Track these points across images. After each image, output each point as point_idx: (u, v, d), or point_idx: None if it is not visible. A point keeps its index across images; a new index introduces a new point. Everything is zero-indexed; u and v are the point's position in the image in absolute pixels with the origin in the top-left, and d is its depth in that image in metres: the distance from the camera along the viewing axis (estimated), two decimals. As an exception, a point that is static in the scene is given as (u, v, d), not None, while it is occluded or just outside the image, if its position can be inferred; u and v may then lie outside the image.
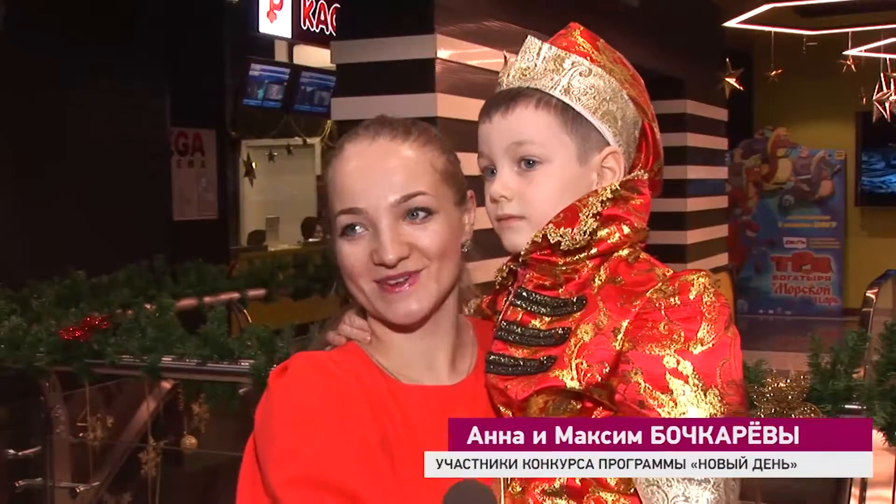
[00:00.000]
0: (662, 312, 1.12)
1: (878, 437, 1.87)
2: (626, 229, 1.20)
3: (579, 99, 1.21)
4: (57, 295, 3.68)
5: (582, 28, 1.29)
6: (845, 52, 7.76)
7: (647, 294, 1.14)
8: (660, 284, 1.15)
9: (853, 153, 10.37)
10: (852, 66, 7.73)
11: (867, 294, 5.18)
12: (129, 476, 3.35)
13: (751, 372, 1.86)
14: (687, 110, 6.61)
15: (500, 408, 1.22)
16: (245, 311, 4.50)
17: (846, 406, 1.87)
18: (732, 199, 9.37)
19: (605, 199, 1.20)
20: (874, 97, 7.41)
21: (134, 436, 3.43)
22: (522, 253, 1.21)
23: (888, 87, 7.45)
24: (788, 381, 1.86)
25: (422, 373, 1.27)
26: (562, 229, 1.18)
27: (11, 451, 3.31)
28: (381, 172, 1.23)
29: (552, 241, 1.18)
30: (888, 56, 7.74)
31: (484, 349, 1.32)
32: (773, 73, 7.82)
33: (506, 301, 1.28)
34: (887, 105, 7.37)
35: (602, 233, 1.19)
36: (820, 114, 10.42)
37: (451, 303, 1.30)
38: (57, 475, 3.13)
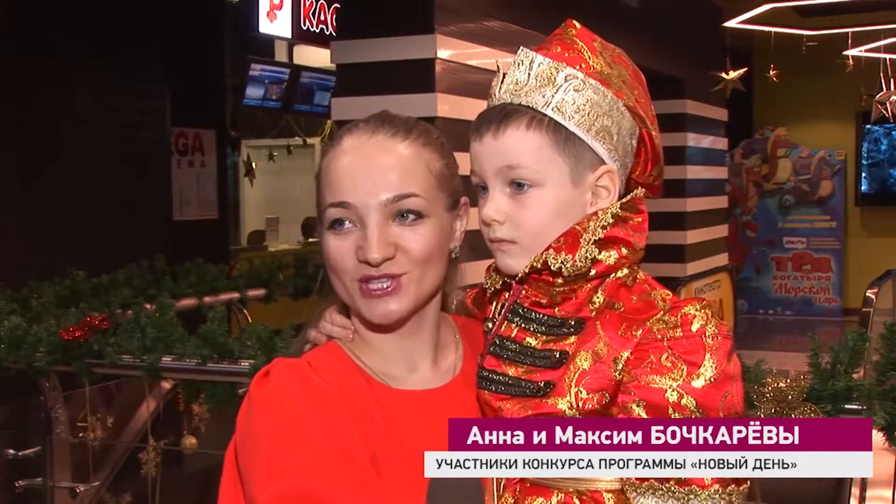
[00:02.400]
0: (665, 344, 1.11)
1: (878, 437, 1.86)
2: (624, 250, 1.17)
3: (572, 117, 1.17)
4: (57, 295, 3.68)
5: (579, 27, 1.25)
6: (845, 52, 7.76)
7: (648, 324, 1.13)
8: (661, 314, 1.13)
9: (853, 153, 10.38)
10: (852, 66, 7.73)
11: (867, 294, 5.19)
12: (129, 476, 3.35)
13: (751, 372, 1.86)
14: (687, 110, 6.61)
15: None
16: (245, 311, 4.50)
17: (846, 406, 1.87)
18: (732, 199, 9.37)
19: (605, 223, 1.17)
20: (875, 97, 7.41)
21: (134, 436, 3.42)
22: (520, 274, 1.19)
23: (887, 87, 7.44)
24: (788, 381, 1.86)
25: (405, 372, 1.26)
26: (563, 255, 1.15)
27: (11, 451, 3.31)
28: (375, 169, 1.20)
29: (553, 268, 1.15)
30: (888, 56, 7.73)
31: (472, 349, 1.32)
32: (773, 73, 7.81)
33: (495, 308, 1.27)
34: (888, 105, 7.37)
35: (601, 255, 1.16)
36: (820, 114, 10.42)
37: (434, 305, 1.28)
38: (57, 475, 3.13)
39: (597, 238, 1.16)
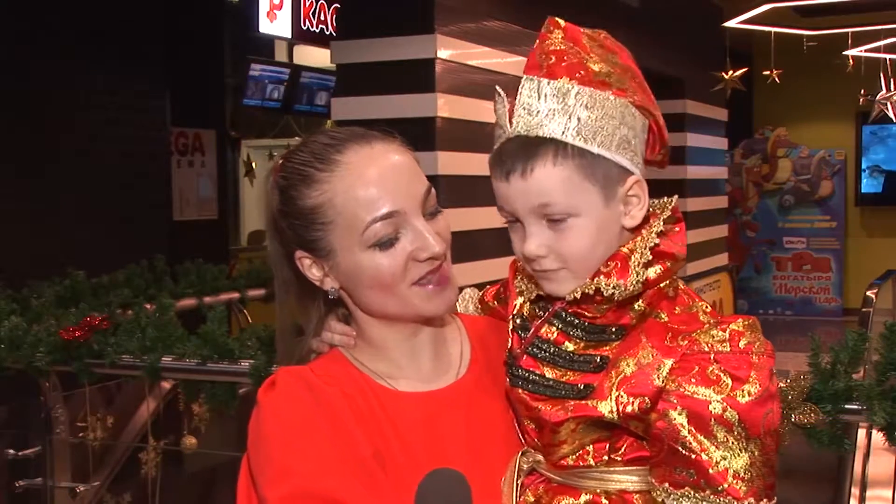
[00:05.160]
0: (711, 357, 1.11)
1: (878, 437, 1.86)
2: (668, 263, 1.17)
3: (594, 139, 1.16)
4: (57, 295, 3.68)
5: (563, 25, 1.22)
6: (845, 52, 7.76)
7: (694, 335, 1.13)
8: (708, 327, 1.14)
9: (853, 153, 10.38)
10: (852, 66, 7.74)
11: (867, 294, 5.19)
12: (129, 476, 3.35)
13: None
14: (687, 110, 6.61)
15: (525, 421, 1.22)
16: (245, 311, 4.50)
17: (846, 406, 1.87)
18: (732, 199, 9.37)
19: (653, 243, 1.17)
20: (877, 97, 7.41)
21: (134, 436, 3.43)
22: (569, 298, 1.18)
23: (887, 88, 7.44)
24: (788, 381, 1.86)
25: (408, 372, 1.27)
26: (613, 280, 1.15)
27: (11, 451, 3.31)
28: (403, 171, 1.22)
29: (606, 295, 1.15)
30: (888, 56, 7.73)
31: (483, 347, 1.32)
32: (773, 73, 7.81)
33: (522, 305, 1.27)
34: (889, 105, 7.36)
35: (649, 272, 1.16)
36: (820, 114, 10.42)
37: None
38: (57, 475, 3.13)
39: (646, 260, 1.16)
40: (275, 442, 1.16)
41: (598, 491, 1.17)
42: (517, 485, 1.21)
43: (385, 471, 1.16)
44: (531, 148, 1.16)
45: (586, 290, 1.15)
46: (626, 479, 1.16)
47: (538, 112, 1.16)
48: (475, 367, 1.30)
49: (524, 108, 1.17)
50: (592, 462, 1.17)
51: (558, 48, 1.20)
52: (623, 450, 1.16)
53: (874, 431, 1.91)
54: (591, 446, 1.17)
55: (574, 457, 1.18)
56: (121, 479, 3.40)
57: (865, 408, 1.85)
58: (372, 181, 1.20)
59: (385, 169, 1.21)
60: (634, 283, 1.15)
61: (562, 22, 1.23)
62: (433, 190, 1.24)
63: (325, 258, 1.24)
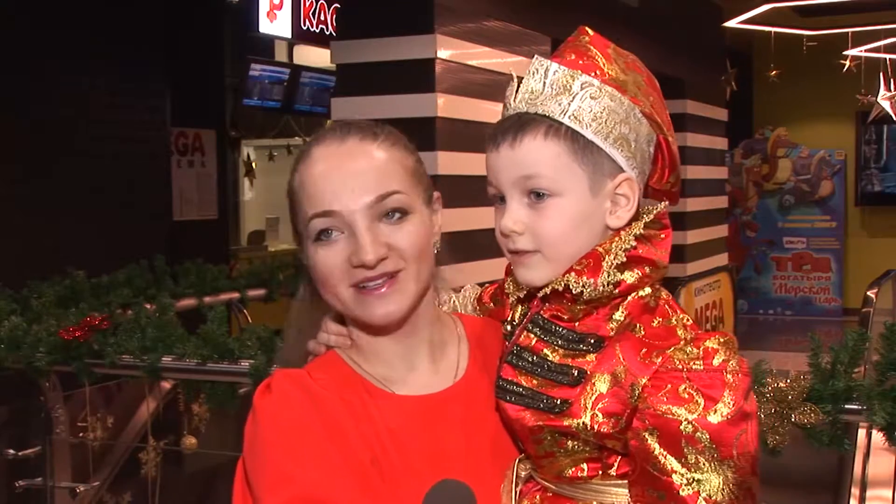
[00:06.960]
0: (684, 375, 1.09)
1: (877, 437, 1.86)
2: (647, 269, 1.15)
3: (590, 125, 1.15)
4: (57, 295, 3.68)
5: (592, 34, 1.23)
6: (845, 52, 7.77)
7: (669, 352, 1.10)
8: (682, 344, 1.12)
9: (853, 153, 10.38)
10: (852, 67, 7.74)
11: (867, 294, 5.18)
12: (129, 476, 3.35)
13: (751, 372, 1.86)
14: (687, 110, 6.61)
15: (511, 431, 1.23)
16: (245, 311, 4.50)
17: (846, 406, 1.87)
18: (732, 199, 9.37)
19: (629, 245, 1.14)
20: (878, 97, 7.41)
21: (134, 436, 3.43)
22: (540, 294, 1.17)
23: (887, 88, 7.45)
24: (788, 381, 1.86)
25: (404, 375, 1.26)
26: (584, 279, 1.13)
27: (11, 451, 3.31)
28: (354, 173, 1.20)
29: (574, 292, 1.13)
30: (888, 56, 7.74)
31: (480, 348, 1.31)
32: (773, 73, 7.82)
33: (514, 310, 1.26)
34: (889, 105, 7.37)
35: (624, 275, 1.14)
36: (820, 114, 10.42)
37: (427, 301, 1.27)
38: (57, 475, 3.13)
39: (619, 262, 1.14)
40: (272, 447, 1.15)
41: (594, 503, 1.16)
42: (515, 493, 1.21)
43: (383, 477, 1.15)
44: (526, 121, 1.17)
45: (556, 286, 1.15)
46: (623, 493, 1.15)
47: (541, 91, 1.17)
48: (473, 369, 1.29)
49: (529, 87, 1.18)
50: (587, 476, 1.17)
51: (581, 49, 1.21)
52: (616, 465, 1.15)
53: (874, 431, 1.91)
54: (584, 464, 1.16)
55: (570, 471, 1.17)
56: (121, 479, 3.40)
57: (865, 408, 1.85)
58: (318, 177, 1.22)
59: (334, 167, 1.21)
60: (605, 283, 1.13)
61: (591, 31, 1.24)
62: (396, 197, 1.21)
63: (301, 241, 1.27)
